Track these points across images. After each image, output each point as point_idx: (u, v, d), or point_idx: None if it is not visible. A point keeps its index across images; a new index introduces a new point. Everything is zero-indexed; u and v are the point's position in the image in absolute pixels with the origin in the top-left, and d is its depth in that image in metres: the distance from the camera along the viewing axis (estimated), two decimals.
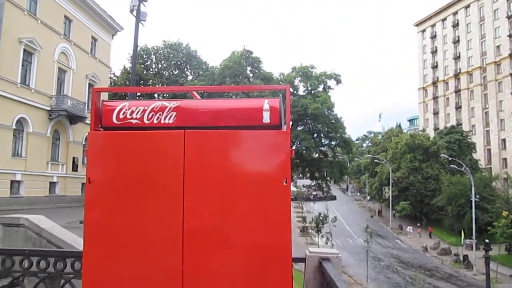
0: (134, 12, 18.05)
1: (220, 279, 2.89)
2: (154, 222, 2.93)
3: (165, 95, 40.48)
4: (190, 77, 51.75)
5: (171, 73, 52.35)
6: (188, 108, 3.11)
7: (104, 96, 3.70)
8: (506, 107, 67.14)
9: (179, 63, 52.49)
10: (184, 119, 3.04)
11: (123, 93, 33.85)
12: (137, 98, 30.12)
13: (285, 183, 2.89)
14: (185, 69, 53.52)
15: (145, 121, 3.06)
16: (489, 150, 69.99)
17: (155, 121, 3.05)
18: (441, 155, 55.03)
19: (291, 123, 39.93)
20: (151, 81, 49.48)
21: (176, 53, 52.10)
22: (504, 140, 67.26)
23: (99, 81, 37.24)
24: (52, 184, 32.19)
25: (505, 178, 53.94)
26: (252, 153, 2.98)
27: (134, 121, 3.07)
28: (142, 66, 49.85)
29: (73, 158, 34.53)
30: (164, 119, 3.05)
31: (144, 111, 3.07)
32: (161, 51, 52.48)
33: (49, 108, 31.15)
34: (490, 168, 65.76)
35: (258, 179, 2.95)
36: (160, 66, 52.95)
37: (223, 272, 2.90)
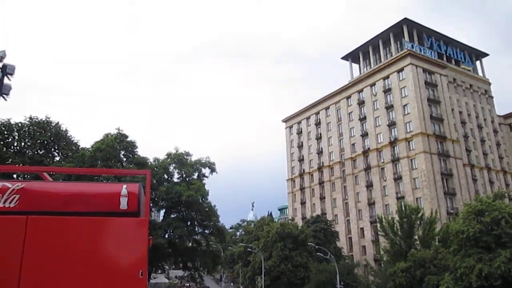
0: None
1: None
2: None
3: (26, 175, 36.56)
4: (57, 158, 48.03)
5: (36, 152, 48.09)
6: (34, 191, 2.72)
7: None
8: (362, 198, 74.64)
9: (45, 142, 48.58)
10: (29, 203, 2.64)
11: None
12: None
13: (140, 276, 2.61)
14: (52, 149, 49.68)
15: None
16: (350, 238, 75.69)
17: None
18: (309, 244, 57.75)
19: (164, 210, 38.15)
20: (10, 159, 44.64)
21: (43, 131, 48.28)
22: (362, 229, 73.67)
23: None
24: None
25: (365, 265, 58.35)
26: (106, 242, 2.68)
27: None
28: (1, 143, 45.16)
29: None
30: (4, 202, 2.60)
31: None
32: (26, 128, 48.42)
33: None
34: (352, 255, 70.62)
35: (110, 271, 2.63)
36: (23, 144, 48.41)
37: None
